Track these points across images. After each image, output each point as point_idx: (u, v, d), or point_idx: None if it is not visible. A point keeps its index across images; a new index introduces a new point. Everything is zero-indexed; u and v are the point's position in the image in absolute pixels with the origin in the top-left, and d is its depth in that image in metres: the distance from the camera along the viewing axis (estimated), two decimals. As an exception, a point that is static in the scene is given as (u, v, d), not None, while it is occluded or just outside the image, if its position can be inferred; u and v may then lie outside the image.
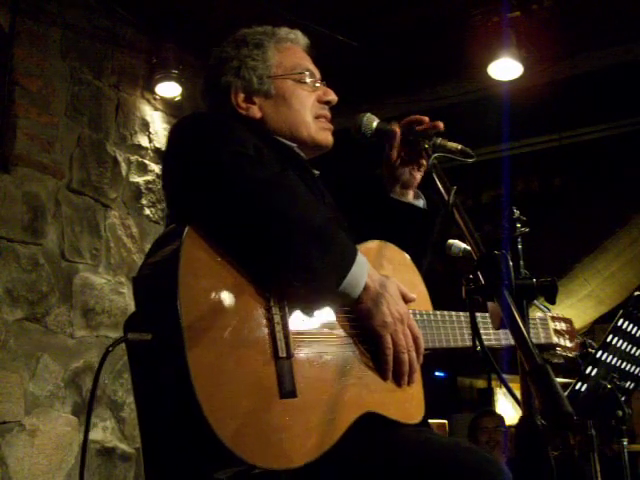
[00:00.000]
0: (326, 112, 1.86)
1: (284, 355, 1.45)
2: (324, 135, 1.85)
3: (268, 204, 1.46)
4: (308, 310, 1.54)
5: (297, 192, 1.53)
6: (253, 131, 1.70)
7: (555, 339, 2.20)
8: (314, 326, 1.55)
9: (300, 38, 1.91)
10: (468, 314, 1.80)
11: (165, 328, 1.37)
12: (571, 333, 2.29)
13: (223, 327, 1.39)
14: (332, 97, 1.87)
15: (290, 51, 1.86)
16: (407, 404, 1.68)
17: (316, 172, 1.86)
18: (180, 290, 1.35)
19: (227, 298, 1.42)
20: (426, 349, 1.71)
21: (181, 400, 1.34)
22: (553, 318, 2.24)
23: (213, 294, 1.40)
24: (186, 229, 1.41)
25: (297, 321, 1.51)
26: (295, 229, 1.46)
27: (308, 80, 1.84)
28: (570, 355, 2.27)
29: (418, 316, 1.74)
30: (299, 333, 1.50)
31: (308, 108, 1.83)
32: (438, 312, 1.82)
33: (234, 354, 1.39)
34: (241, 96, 1.80)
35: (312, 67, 1.88)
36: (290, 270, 1.47)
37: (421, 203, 1.95)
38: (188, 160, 1.54)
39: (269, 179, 1.50)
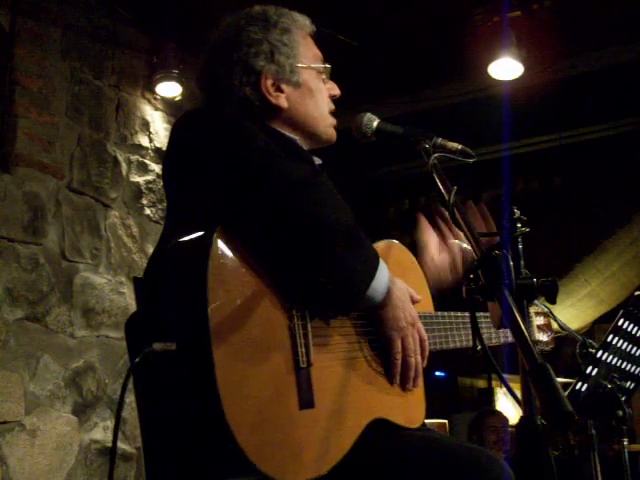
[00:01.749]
0: (333, 107, 1.86)
1: (304, 365, 1.44)
2: (333, 131, 1.85)
3: (307, 204, 1.44)
4: (328, 318, 1.53)
5: (330, 192, 1.53)
6: (259, 124, 1.67)
7: (537, 336, 2.17)
8: (331, 333, 1.54)
9: (311, 24, 1.87)
10: (469, 314, 1.81)
11: (191, 335, 1.35)
12: (548, 327, 2.26)
13: (248, 336, 1.38)
14: (338, 92, 1.86)
15: (308, 40, 1.83)
16: (411, 408, 1.68)
17: (318, 160, 1.85)
18: (209, 299, 1.33)
19: (253, 307, 1.40)
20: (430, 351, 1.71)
21: (203, 407, 1.33)
22: (536, 313, 2.21)
23: (240, 303, 1.38)
24: (214, 235, 1.37)
25: (316, 329, 1.50)
26: (331, 230, 1.45)
27: (324, 72, 1.83)
28: (546, 349, 2.22)
29: (422, 318, 1.74)
30: (317, 341, 1.49)
31: (327, 103, 1.82)
32: (439, 313, 1.82)
33: (258, 363, 1.38)
34: (270, 81, 1.73)
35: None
36: (325, 271, 1.45)
37: None
38: (214, 159, 1.49)
39: (305, 179, 1.48)
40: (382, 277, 1.53)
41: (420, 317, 1.71)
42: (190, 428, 1.38)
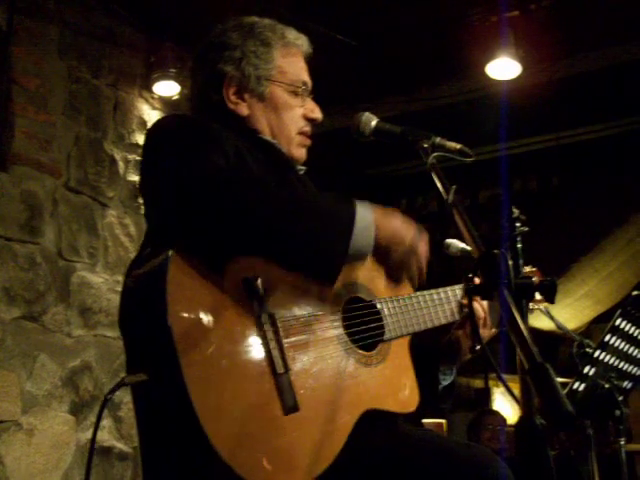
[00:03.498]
0: (308, 129, 1.85)
1: (282, 371, 1.42)
2: (300, 152, 1.84)
3: (238, 197, 1.41)
4: (299, 317, 1.51)
5: (257, 177, 1.48)
6: (235, 129, 1.69)
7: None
8: (306, 332, 1.52)
9: (306, 45, 1.87)
10: (446, 290, 1.84)
11: (160, 364, 1.35)
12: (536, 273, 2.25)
13: (220, 353, 1.36)
14: (318, 115, 1.85)
15: (293, 59, 1.84)
16: (402, 393, 1.67)
17: (302, 168, 1.85)
18: (172, 323, 1.32)
19: (219, 323, 1.38)
20: (413, 332, 1.72)
21: (185, 431, 1.32)
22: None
23: (205, 322, 1.36)
24: (170, 257, 1.36)
25: (289, 331, 1.48)
26: (277, 211, 1.42)
27: (301, 94, 1.83)
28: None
29: (401, 301, 1.73)
30: (292, 344, 1.48)
31: (295, 122, 1.81)
32: (419, 293, 1.80)
33: (234, 377, 1.37)
34: (233, 89, 1.77)
35: (308, 80, 1.86)
36: (298, 254, 1.43)
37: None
38: (163, 175, 1.48)
39: (231, 178, 1.44)
40: (363, 232, 1.46)
41: (400, 299, 1.71)
42: (178, 447, 1.37)
